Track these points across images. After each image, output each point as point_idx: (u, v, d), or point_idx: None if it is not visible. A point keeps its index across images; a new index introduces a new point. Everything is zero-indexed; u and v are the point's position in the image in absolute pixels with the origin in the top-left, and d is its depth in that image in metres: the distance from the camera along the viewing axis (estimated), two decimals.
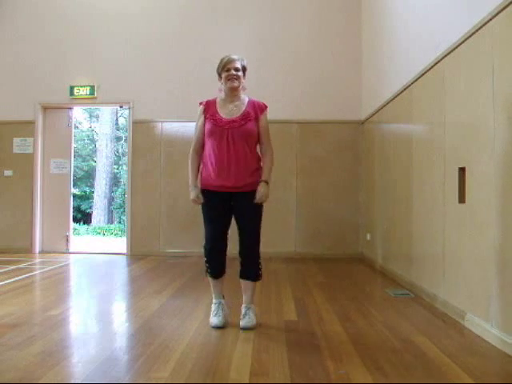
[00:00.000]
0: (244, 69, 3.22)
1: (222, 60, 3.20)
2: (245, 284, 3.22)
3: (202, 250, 3.20)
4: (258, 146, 3.25)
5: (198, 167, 3.22)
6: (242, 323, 3.11)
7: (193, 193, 3.14)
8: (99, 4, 7.31)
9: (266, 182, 3.13)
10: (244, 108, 3.18)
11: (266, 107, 3.25)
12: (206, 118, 3.17)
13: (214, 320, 3.15)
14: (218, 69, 3.22)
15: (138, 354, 2.58)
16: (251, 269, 3.18)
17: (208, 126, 3.14)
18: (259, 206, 3.16)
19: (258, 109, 3.20)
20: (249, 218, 3.16)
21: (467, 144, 3.24)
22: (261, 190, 3.10)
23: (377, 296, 4.36)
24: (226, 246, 3.20)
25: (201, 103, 3.26)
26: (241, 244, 3.18)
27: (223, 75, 3.17)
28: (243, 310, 3.18)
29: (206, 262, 3.20)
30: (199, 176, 3.20)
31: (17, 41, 7.34)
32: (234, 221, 3.22)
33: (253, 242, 3.15)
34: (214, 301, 3.26)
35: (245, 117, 3.14)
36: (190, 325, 3.17)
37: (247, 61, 3.28)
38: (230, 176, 3.07)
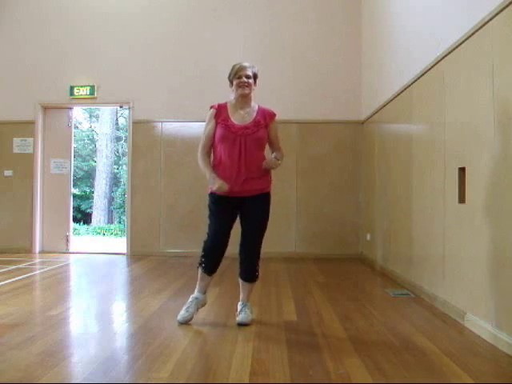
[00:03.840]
0: (255, 76, 3.26)
1: (233, 67, 3.24)
2: (243, 284, 3.30)
3: (202, 245, 3.23)
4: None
5: (210, 162, 3.23)
6: (238, 319, 3.18)
7: (216, 183, 3.07)
8: (99, 4, 7.31)
9: (277, 159, 3.20)
10: (255, 115, 3.23)
11: (274, 115, 3.31)
12: (217, 123, 3.19)
13: (181, 315, 3.19)
14: (229, 76, 3.26)
15: (138, 354, 2.58)
16: (250, 270, 3.26)
17: (220, 131, 3.17)
18: (267, 210, 3.22)
19: (267, 116, 3.26)
20: (256, 220, 3.22)
21: (467, 144, 3.24)
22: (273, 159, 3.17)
23: (377, 296, 4.36)
24: (226, 246, 3.23)
25: (212, 106, 3.27)
26: (243, 245, 3.23)
27: (234, 82, 3.21)
28: (239, 307, 3.26)
29: (203, 256, 3.24)
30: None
31: (17, 41, 7.34)
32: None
33: (256, 245, 3.23)
34: (194, 294, 3.29)
35: (257, 124, 3.19)
36: (190, 324, 3.17)
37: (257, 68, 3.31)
38: (242, 181, 3.12)
